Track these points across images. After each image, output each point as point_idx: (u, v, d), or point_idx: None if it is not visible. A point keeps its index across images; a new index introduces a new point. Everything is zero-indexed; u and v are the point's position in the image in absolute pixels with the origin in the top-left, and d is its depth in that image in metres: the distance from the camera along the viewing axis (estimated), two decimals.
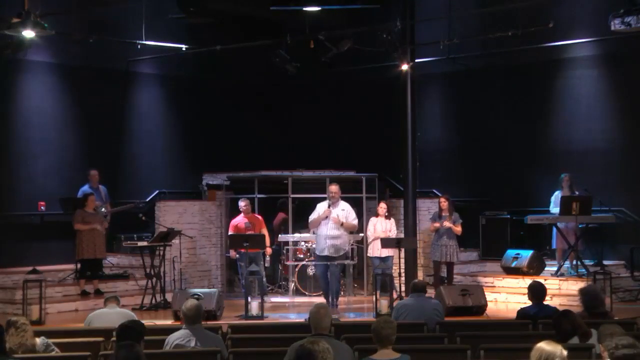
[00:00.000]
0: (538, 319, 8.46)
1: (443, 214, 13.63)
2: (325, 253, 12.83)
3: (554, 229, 14.11)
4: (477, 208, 15.90)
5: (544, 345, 4.98)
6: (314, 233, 13.60)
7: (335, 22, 15.02)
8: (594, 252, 14.30)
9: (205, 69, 16.97)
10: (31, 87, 15.15)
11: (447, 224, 13.47)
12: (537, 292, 8.90)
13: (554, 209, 13.98)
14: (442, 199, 13.76)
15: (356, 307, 12.81)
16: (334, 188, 12.94)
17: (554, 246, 14.34)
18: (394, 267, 13.44)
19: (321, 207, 12.95)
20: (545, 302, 9.00)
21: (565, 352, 4.96)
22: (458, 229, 13.57)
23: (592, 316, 7.98)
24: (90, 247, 13.18)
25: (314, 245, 14.23)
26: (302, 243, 14.43)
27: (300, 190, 15.04)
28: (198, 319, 7.24)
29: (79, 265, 13.48)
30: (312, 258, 14.15)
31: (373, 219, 13.66)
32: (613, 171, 14.85)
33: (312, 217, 13.02)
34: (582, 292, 8.37)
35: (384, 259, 13.29)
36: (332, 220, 12.83)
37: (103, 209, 13.92)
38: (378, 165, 15.60)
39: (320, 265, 12.94)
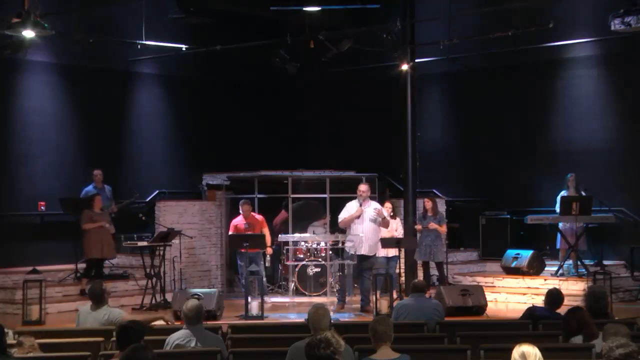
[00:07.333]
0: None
1: (428, 215, 13.65)
2: (362, 252, 12.66)
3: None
4: (477, 208, 15.91)
5: (523, 346, 5.22)
6: (342, 232, 13.37)
7: (335, 22, 15.01)
8: (594, 252, 14.30)
9: (205, 69, 16.96)
10: (31, 87, 15.14)
11: (431, 225, 13.49)
12: (553, 299, 8.72)
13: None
14: (426, 200, 13.83)
15: (356, 307, 12.79)
16: (364, 187, 12.73)
17: (558, 246, 14.33)
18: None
19: (352, 206, 12.58)
20: (558, 311, 8.72)
21: (539, 353, 5.18)
22: (443, 229, 13.59)
23: (594, 317, 7.93)
24: (97, 246, 13.20)
25: (315, 245, 14.21)
26: (302, 243, 14.41)
27: (300, 190, 15.02)
28: (199, 320, 7.24)
29: (83, 265, 13.50)
30: (312, 258, 14.13)
31: None
32: (613, 171, 14.85)
33: (343, 215, 12.58)
34: (589, 292, 8.26)
35: (390, 259, 13.25)
36: (375, 215, 12.53)
37: (111, 208, 13.96)
38: (378, 165, 15.60)
39: (355, 265, 12.67)
